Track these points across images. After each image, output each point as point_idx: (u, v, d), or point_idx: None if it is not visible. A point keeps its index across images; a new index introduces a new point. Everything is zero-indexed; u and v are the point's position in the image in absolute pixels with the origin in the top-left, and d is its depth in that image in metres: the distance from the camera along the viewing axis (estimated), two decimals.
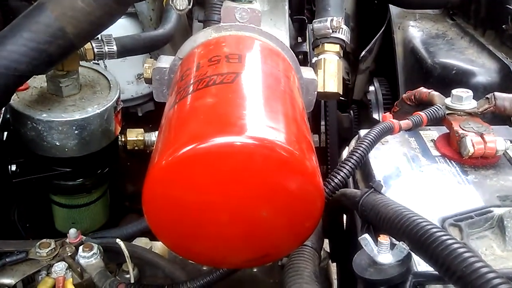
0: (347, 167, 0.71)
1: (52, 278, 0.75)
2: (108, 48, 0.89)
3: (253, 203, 0.56)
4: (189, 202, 0.56)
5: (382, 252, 0.56)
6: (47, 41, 0.68)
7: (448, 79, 1.22)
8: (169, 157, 0.54)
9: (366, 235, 0.57)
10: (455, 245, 0.50)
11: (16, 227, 1.05)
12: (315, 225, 0.59)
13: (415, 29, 1.46)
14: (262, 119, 0.58)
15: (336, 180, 0.69)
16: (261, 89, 0.65)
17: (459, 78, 1.20)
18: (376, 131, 0.78)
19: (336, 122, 1.59)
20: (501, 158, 0.80)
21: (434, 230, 0.52)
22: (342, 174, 0.70)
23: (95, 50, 0.88)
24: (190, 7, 0.76)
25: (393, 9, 1.52)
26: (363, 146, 0.74)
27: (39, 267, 0.78)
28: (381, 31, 1.60)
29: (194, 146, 0.53)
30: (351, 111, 1.72)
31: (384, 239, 0.56)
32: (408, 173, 0.78)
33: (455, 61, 1.25)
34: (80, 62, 0.91)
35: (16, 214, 1.05)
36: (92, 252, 0.79)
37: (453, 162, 0.80)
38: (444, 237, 0.51)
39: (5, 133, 0.93)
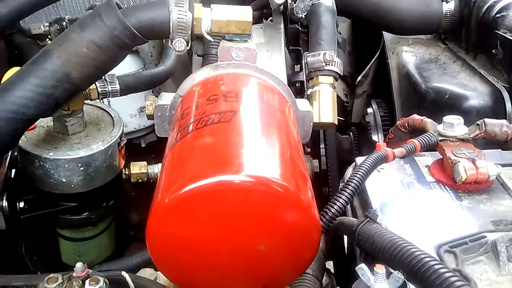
0: (344, 196, 0.74)
1: None
2: (111, 87, 0.93)
3: (252, 237, 0.59)
4: (191, 238, 0.59)
5: (378, 281, 0.58)
6: (53, 86, 0.72)
7: (442, 104, 1.25)
8: (171, 195, 0.57)
9: (363, 265, 0.59)
10: (447, 274, 0.52)
11: (23, 261, 1.08)
12: (313, 256, 0.62)
13: (408, 54, 1.50)
14: (258, 157, 0.61)
15: (333, 210, 0.71)
16: (258, 127, 0.68)
17: (453, 102, 1.23)
18: (371, 160, 0.81)
19: (336, 144, 1.62)
20: (494, 183, 0.82)
21: (427, 259, 0.54)
22: (338, 204, 0.72)
23: (99, 89, 0.92)
24: (188, 48, 0.80)
25: (387, 35, 1.56)
26: (358, 175, 0.77)
27: None
28: (376, 56, 1.65)
29: (194, 186, 0.56)
30: (351, 133, 1.74)
31: (380, 268, 0.58)
32: (404, 200, 0.80)
33: (448, 86, 1.28)
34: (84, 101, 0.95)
35: (23, 248, 1.07)
36: (98, 286, 0.80)
37: (447, 188, 0.82)
38: (437, 266, 0.53)
39: (13, 171, 0.96)
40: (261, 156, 0.61)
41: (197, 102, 0.75)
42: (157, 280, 0.96)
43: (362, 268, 0.59)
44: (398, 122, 1.02)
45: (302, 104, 0.87)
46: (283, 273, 0.63)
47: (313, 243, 0.60)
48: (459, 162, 0.81)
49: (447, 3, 1.37)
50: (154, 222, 0.58)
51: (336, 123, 0.94)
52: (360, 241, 0.67)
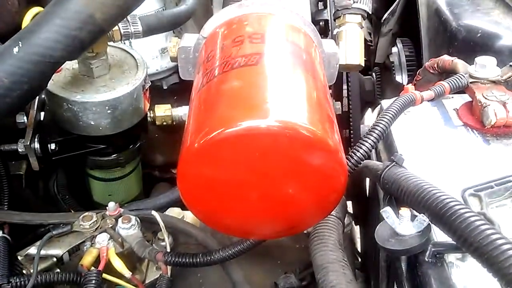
0: (370, 140, 0.73)
1: (96, 248, 0.82)
2: (134, 28, 0.92)
3: (280, 180, 0.60)
4: (220, 180, 0.60)
5: (403, 223, 0.59)
6: (78, 27, 0.71)
7: (473, 43, 1.19)
8: (200, 140, 0.57)
9: (388, 208, 0.61)
10: (472, 218, 0.53)
11: (56, 200, 1.13)
12: (339, 199, 0.63)
13: None
14: (286, 101, 0.60)
15: (358, 154, 0.71)
16: (284, 70, 0.67)
17: (484, 42, 1.18)
18: (398, 104, 0.79)
19: (358, 86, 1.59)
20: None
21: (453, 203, 0.55)
22: (364, 147, 0.72)
23: (122, 31, 0.91)
24: None
25: None
26: (385, 119, 0.76)
27: (83, 238, 0.85)
28: None
29: (222, 130, 0.56)
30: (374, 74, 1.70)
31: (405, 211, 0.59)
32: (430, 144, 0.80)
33: (480, 23, 1.22)
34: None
35: (56, 188, 1.12)
36: (130, 224, 0.85)
37: (475, 131, 0.81)
38: (462, 210, 0.54)
39: (42, 114, 0.98)
40: (289, 100, 0.61)
41: (222, 44, 0.74)
42: (184, 219, 1.00)
43: (387, 211, 0.60)
44: (426, 64, 0.99)
45: (328, 45, 0.85)
46: (309, 215, 0.65)
47: (340, 186, 0.61)
48: (489, 105, 0.79)
49: None
50: (184, 165, 0.60)
51: (363, 65, 0.92)
52: (385, 184, 0.67)
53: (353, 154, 0.71)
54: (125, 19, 0.90)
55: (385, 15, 1.61)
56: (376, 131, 0.73)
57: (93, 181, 1.10)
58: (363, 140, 0.73)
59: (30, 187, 1.05)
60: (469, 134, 0.81)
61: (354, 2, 0.88)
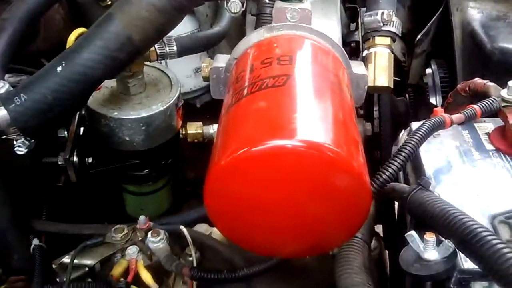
0: (397, 162, 0.73)
1: (126, 260, 0.85)
2: (169, 49, 0.96)
3: (304, 199, 0.61)
4: (246, 198, 0.62)
5: (428, 249, 0.59)
6: (117, 48, 0.76)
7: (508, 65, 1.17)
8: (227, 158, 0.59)
9: (413, 232, 0.60)
10: (499, 245, 0.52)
11: (92, 211, 1.17)
12: (363, 221, 0.63)
13: (474, 11, 1.40)
14: (311, 122, 0.62)
15: (385, 176, 0.71)
16: (311, 91, 0.69)
17: None
18: (426, 126, 0.79)
19: (390, 107, 1.58)
20: None
21: (479, 229, 0.54)
22: (391, 169, 0.72)
23: (158, 51, 0.95)
24: (243, 9, 0.81)
25: None
26: (413, 141, 0.76)
27: (114, 250, 0.88)
28: (438, 12, 1.55)
29: (248, 148, 0.58)
30: (407, 95, 1.69)
31: (430, 236, 0.59)
32: (460, 168, 0.79)
33: None
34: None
35: (92, 200, 1.17)
36: (159, 238, 0.87)
37: (507, 157, 0.79)
38: (489, 237, 0.53)
39: (81, 129, 1.04)
40: (314, 121, 0.62)
41: (251, 65, 0.76)
42: (211, 235, 1.02)
43: (411, 235, 0.60)
44: (458, 86, 0.98)
45: (357, 66, 0.86)
46: (333, 236, 0.65)
47: (364, 208, 0.61)
48: None
49: None
50: (211, 182, 0.62)
51: (392, 87, 0.92)
52: (411, 208, 0.67)
53: (379, 176, 0.71)
54: (161, 40, 0.94)
55: (419, 36, 1.60)
56: (403, 154, 0.73)
57: (126, 194, 1.14)
58: (390, 162, 0.73)
59: (68, 198, 1.10)
60: (501, 159, 0.79)
61: (384, 24, 0.89)
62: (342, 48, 0.83)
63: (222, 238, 1.00)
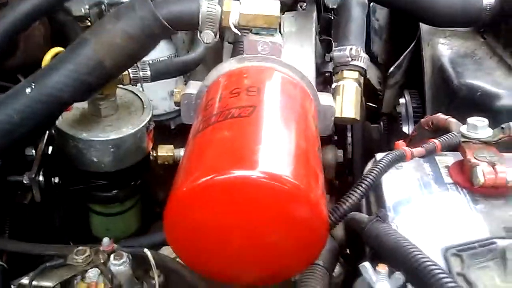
0: (357, 193, 0.76)
1: (85, 283, 0.84)
2: (142, 74, 0.98)
3: (263, 229, 0.62)
4: (205, 225, 0.63)
5: (380, 280, 0.60)
6: (87, 73, 0.77)
7: (473, 101, 1.22)
8: (189, 185, 0.61)
9: (366, 263, 0.62)
10: (446, 279, 0.54)
11: (57, 232, 1.16)
12: (320, 250, 0.65)
13: (444, 47, 1.46)
14: (273, 154, 0.64)
15: (344, 206, 0.73)
16: (276, 123, 0.71)
17: (484, 101, 1.20)
18: (388, 158, 0.82)
19: (362, 134, 1.61)
20: None
21: (427, 262, 0.56)
22: (351, 200, 0.74)
23: (131, 75, 0.97)
24: (216, 39, 0.83)
25: (423, 26, 1.53)
26: (374, 172, 0.78)
27: (74, 272, 0.87)
28: (411, 47, 1.62)
29: (211, 177, 0.59)
30: (381, 123, 1.73)
31: (382, 268, 0.61)
32: (418, 200, 0.81)
33: (481, 83, 1.24)
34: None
35: (57, 220, 1.16)
36: (122, 260, 0.87)
37: (464, 191, 0.82)
38: (436, 271, 0.55)
39: (50, 148, 1.04)
40: (276, 153, 0.64)
41: (220, 94, 0.78)
42: (178, 258, 1.01)
43: (365, 266, 0.61)
44: (422, 120, 1.02)
45: (324, 98, 0.89)
46: (291, 264, 0.66)
47: (320, 238, 0.63)
48: (478, 165, 0.81)
49: None
50: (172, 208, 0.62)
51: (358, 119, 0.95)
52: (368, 239, 0.69)
53: (339, 206, 0.73)
54: (135, 65, 0.96)
55: (391, 69, 1.66)
56: (363, 185, 0.75)
57: (93, 215, 1.14)
58: (350, 193, 0.75)
59: (33, 217, 1.09)
60: (458, 193, 0.82)
61: (352, 59, 0.93)
62: (310, 80, 0.86)
63: None
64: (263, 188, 0.59)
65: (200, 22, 0.81)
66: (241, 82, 0.79)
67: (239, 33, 0.83)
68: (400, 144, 0.86)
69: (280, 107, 0.75)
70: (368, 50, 1.44)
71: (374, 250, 0.67)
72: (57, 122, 0.93)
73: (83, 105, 1.03)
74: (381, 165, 0.80)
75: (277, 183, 0.59)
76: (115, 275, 0.86)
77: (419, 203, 0.81)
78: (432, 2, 1.33)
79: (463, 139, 0.89)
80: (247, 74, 0.82)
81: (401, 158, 0.84)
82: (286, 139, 0.68)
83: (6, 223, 0.99)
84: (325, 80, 1.36)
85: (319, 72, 1.33)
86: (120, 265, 0.86)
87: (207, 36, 0.82)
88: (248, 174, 0.59)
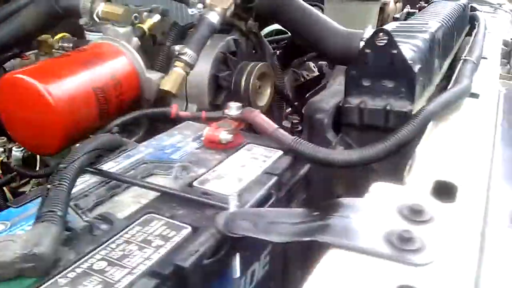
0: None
1: None
2: None
3: (21, 112, 1.10)
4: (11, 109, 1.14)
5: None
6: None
7: None
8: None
9: None
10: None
11: None
12: (58, 130, 1.10)
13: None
14: (39, 69, 1.14)
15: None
16: (74, 59, 1.21)
17: None
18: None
19: None
20: None
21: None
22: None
23: None
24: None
25: None
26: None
27: None
28: None
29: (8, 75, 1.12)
30: None
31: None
32: None
33: None
34: None
35: None
36: None
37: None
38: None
39: None
40: (43, 69, 1.14)
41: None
42: None
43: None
44: None
45: (153, 74, 1.34)
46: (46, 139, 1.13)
47: (51, 122, 1.08)
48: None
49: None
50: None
51: (174, 92, 1.31)
52: None
53: None
54: None
55: None
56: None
57: None
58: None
59: None
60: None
61: (179, 54, 1.31)
62: (139, 58, 1.32)
63: None
64: (14, 84, 1.08)
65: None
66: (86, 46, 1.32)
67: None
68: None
69: (86, 54, 1.24)
70: None
71: None
72: None
73: None
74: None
75: (18, 79, 1.07)
76: None
77: None
78: (322, 45, 1.58)
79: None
80: (93, 44, 1.34)
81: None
82: (65, 66, 1.16)
83: None
84: None
85: None
86: None
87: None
88: (9, 76, 1.11)
